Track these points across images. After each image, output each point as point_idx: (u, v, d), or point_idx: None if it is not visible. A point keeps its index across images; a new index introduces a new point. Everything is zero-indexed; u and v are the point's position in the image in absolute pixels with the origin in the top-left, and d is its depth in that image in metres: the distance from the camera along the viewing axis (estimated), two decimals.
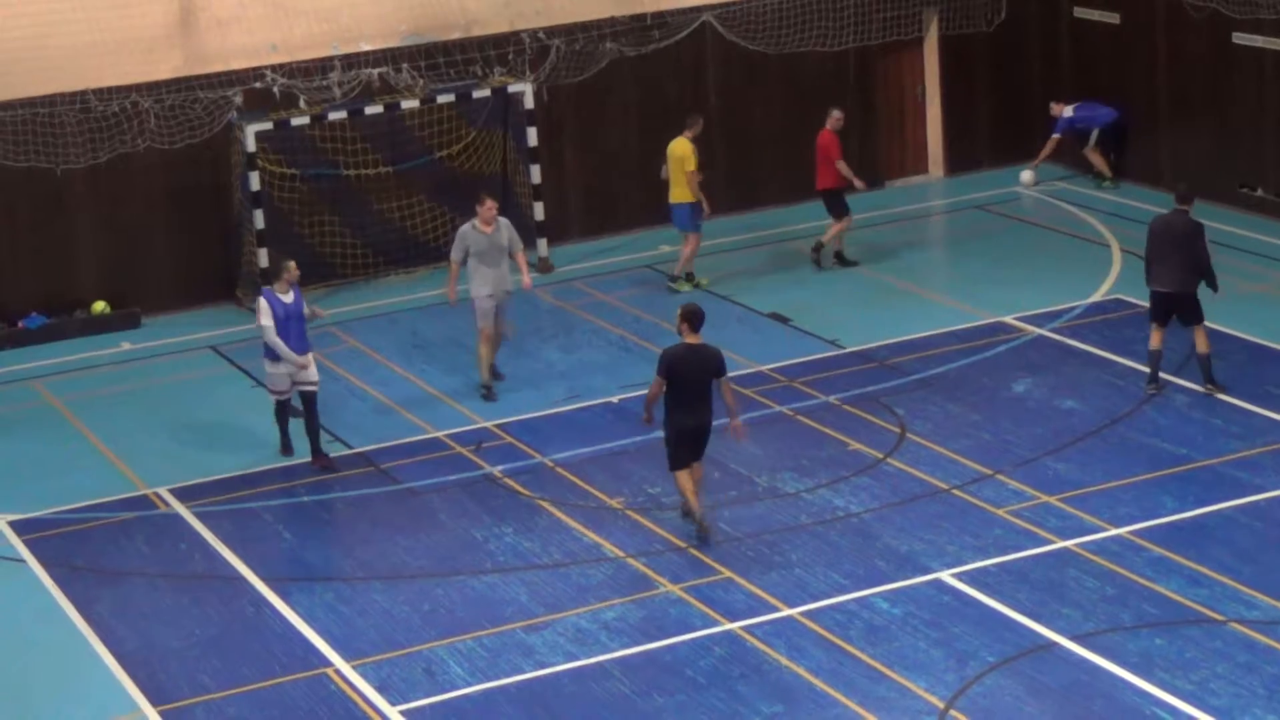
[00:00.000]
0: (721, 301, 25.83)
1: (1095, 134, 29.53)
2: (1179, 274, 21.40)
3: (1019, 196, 29.67)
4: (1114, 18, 29.64)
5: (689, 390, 18.60)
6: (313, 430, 21.21)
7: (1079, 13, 30.19)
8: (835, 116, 26.80)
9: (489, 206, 22.55)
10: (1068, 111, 29.64)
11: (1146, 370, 21.88)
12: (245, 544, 19.55)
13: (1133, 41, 29.42)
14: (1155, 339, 21.65)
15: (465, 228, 22.65)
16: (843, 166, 26.59)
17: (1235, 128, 28.01)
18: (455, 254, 22.73)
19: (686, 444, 18.85)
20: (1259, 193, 27.70)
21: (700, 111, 26.84)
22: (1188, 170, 28.23)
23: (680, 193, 26.04)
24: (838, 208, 26.75)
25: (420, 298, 26.74)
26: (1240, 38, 27.69)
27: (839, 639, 16.91)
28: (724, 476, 20.39)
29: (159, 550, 19.44)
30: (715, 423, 18.86)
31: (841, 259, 26.86)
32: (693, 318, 18.67)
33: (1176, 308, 21.53)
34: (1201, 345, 21.56)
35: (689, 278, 26.36)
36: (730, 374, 22.90)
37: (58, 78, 25.78)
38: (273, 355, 20.94)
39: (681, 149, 25.93)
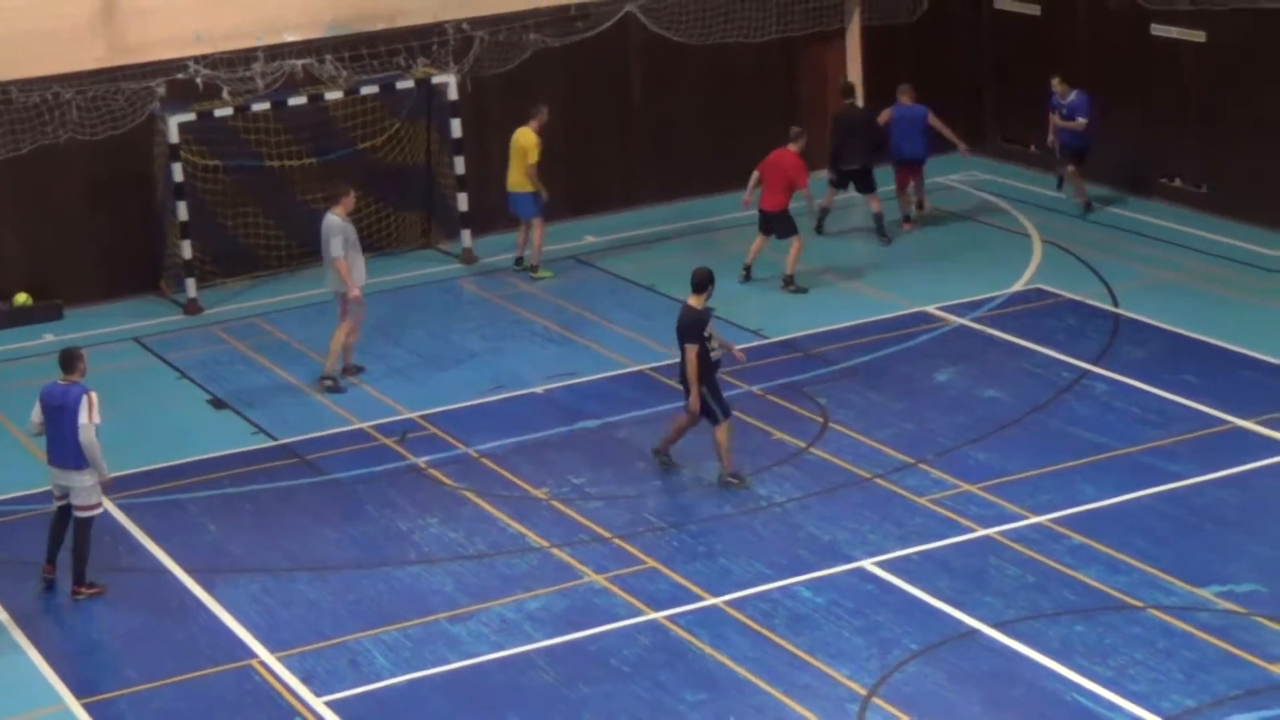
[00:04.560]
0: (646, 292, 25.89)
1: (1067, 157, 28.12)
2: (859, 154, 27.15)
3: (941, 187, 29.79)
4: (1035, 9, 29.82)
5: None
6: (76, 555, 18.36)
7: (1000, 4, 30.37)
8: (801, 135, 26.02)
9: (353, 198, 23.23)
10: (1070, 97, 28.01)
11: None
12: (170, 536, 19.48)
13: (1053, 33, 29.62)
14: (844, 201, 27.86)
15: (338, 220, 22.71)
16: (807, 194, 26.06)
17: (1155, 118, 28.22)
18: (340, 249, 22.59)
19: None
20: (1177, 183, 27.92)
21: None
22: (1110, 159, 28.44)
23: (519, 180, 26.32)
24: (791, 227, 25.84)
25: None
26: (1158, 29, 27.91)
27: (763, 627, 16.99)
28: (648, 467, 20.45)
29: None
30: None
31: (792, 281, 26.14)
32: (692, 279, 19.86)
33: (858, 180, 27.32)
34: (875, 206, 27.38)
35: (532, 268, 26.67)
36: (654, 364, 23.10)
37: None
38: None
39: (525, 140, 26.16)
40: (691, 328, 19.49)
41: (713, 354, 19.70)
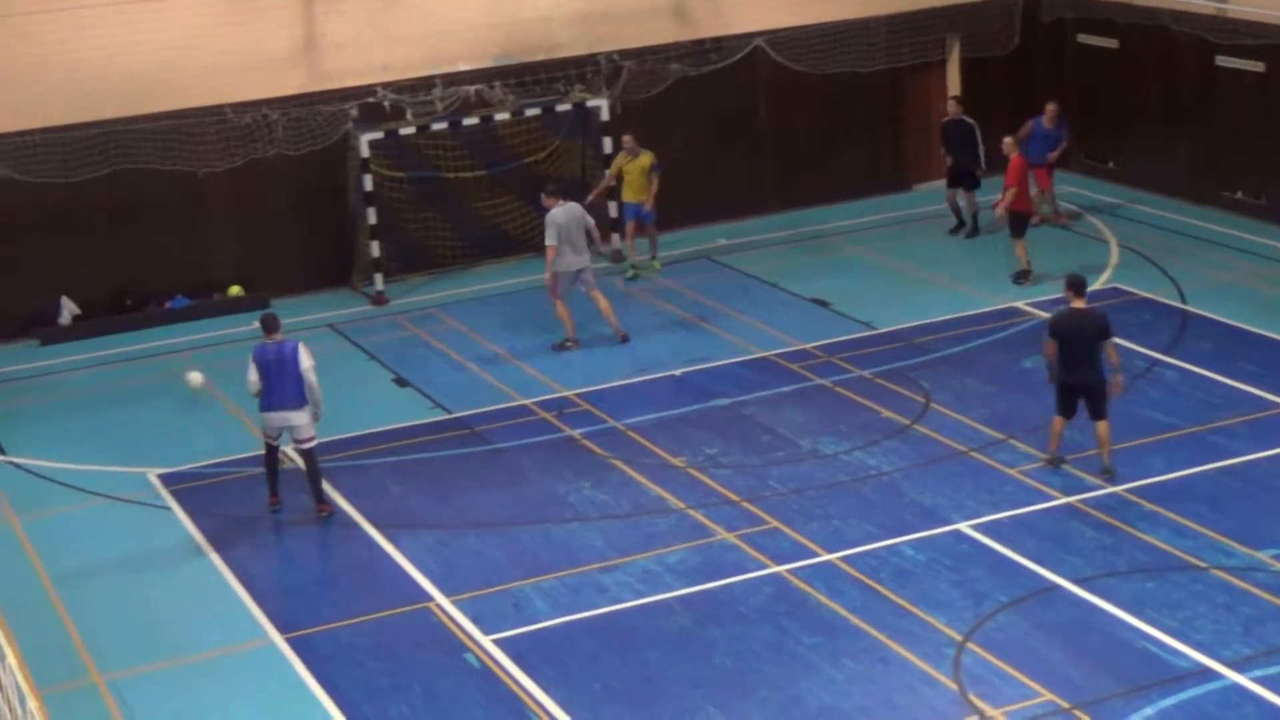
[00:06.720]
0: (770, 288, 25.79)
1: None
2: (965, 165, 27.34)
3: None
4: (1113, 43, 29.42)
5: (1069, 350, 18.45)
6: (311, 479, 19.06)
7: (1082, 39, 29.98)
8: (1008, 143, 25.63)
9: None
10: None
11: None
12: (359, 495, 19.64)
13: (1130, 63, 29.21)
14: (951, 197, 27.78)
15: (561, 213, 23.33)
16: (1010, 195, 25.09)
17: (1219, 138, 27.78)
18: (553, 239, 23.26)
19: (1063, 397, 18.67)
20: (1238, 195, 27.48)
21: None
22: (1179, 174, 28.03)
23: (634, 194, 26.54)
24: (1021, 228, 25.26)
25: (510, 284, 26.76)
26: (1222, 60, 27.47)
27: (871, 580, 16.90)
28: (772, 440, 20.37)
29: (285, 499, 19.48)
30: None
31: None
32: (1072, 284, 18.77)
33: (966, 179, 27.39)
34: (973, 202, 27.27)
35: (637, 263, 26.87)
36: (777, 351, 22.98)
37: (199, 93, 25.87)
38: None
39: (645, 161, 26.20)
40: (1105, 326, 18.50)
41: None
